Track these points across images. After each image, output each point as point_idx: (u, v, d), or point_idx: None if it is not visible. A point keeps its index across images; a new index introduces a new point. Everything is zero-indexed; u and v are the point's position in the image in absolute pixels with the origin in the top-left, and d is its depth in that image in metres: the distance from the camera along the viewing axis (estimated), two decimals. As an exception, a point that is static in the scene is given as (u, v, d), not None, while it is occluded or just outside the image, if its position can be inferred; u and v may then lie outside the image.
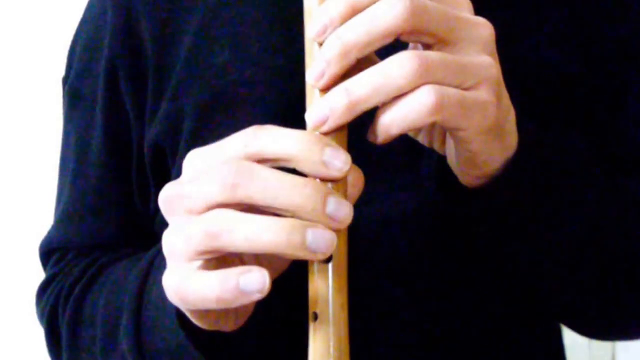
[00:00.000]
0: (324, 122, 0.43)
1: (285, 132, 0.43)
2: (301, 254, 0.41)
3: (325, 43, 0.44)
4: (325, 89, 0.44)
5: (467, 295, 0.60)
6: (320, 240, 0.41)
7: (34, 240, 0.75)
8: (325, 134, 0.44)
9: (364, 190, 0.45)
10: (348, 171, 0.43)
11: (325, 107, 0.43)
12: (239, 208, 0.42)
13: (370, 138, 0.45)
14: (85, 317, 0.65)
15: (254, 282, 0.41)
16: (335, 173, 0.42)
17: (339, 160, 0.42)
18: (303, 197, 0.41)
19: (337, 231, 0.42)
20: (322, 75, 0.43)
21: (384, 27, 0.42)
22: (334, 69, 0.43)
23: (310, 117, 0.44)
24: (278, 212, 0.42)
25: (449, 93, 0.43)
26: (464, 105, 0.43)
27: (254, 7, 0.62)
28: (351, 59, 0.43)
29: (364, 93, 0.42)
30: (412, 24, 0.42)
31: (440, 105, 0.42)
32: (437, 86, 0.42)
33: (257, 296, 0.41)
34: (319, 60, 0.43)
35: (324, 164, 0.42)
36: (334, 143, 0.43)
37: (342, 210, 0.42)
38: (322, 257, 0.42)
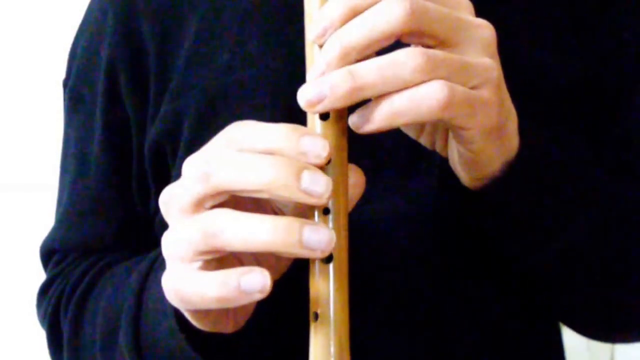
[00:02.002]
0: (319, 101, 0.42)
1: (262, 126, 0.43)
2: (299, 252, 0.41)
3: (325, 45, 0.43)
4: None
5: (468, 296, 0.60)
6: (317, 237, 0.41)
7: (35, 241, 0.75)
8: (326, 134, 0.43)
9: (365, 190, 0.45)
10: (327, 157, 0.42)
11: (325, 85, 0.42)
12: (233, 206, 0.42)
13: (360, 123, 0.43)
14: (86, 319, 0.65)
15: (255, 282, 0.41)
16: (314, 160, 0.42)
17: (316, 147, 0.41)
18: (273, 174, 0.40)
19: (337, 230, 0.42)
20: (322, 76, 0.43)
21: (384, 29, 0.42)
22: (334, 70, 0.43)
23: (305, 93, 0.43)
24: (256, 195, 0.41)
25: (459, 90, 0.42)
26: (471, 104, 0.43)
27: (255, 8, 0.62)
28: (351, 60, 0.43)
29: (370, 79, 0.42)
30: (412, 26, 0.42)
31: (451, 102, 0.42)
32: (448, 82, 0.42)
33: (258, 296, 0.41)
34: (318, 62, 0.43)
35: (302, 153, 0.42)
36: (310, 131, 0.43)
37: (319, 185, 0.41)
38: (321, 255, 0.41)
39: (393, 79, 0.42)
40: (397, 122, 0.43)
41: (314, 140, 0.42)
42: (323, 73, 0.43)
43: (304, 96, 0.43)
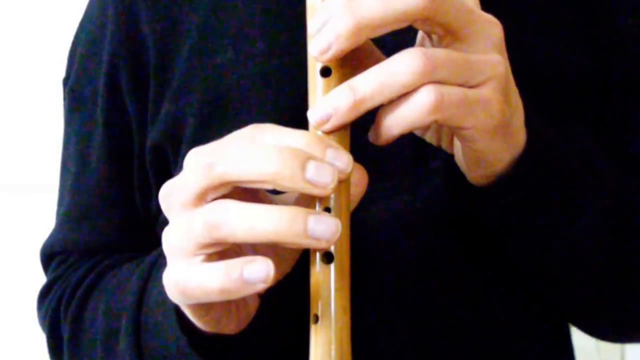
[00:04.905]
0: (327, 121, 0.43)
1: (285, 131, 0.43)
2: (304, 242, 0.41)
3: (338, 15, 0.42)
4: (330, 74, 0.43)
5: (475, 297, 0.60)
6: (322, 226, 0.40)
7: (36, 242, 0.74)
8: (328, 132, 0.43)
9: (368, 189, 0.45)
10: (350, 173, 0.42)
11: (329, 105, 0.43)
12: (241, 198, 0.42)
13: (372, 139, 0.45)
14: (87, 321, 0.64)
15: (258, 271, 0.41)
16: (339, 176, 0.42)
17: (341, 162, 0.42)
18: (279, 164, 0.40)
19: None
20: (329, 49, 0.42)
21: (402, 11, 0.42)
22: (343, 45, 0.42)
23: (313, 115, 0.43)
24: (261, 186, 0.41)
25: (449, 92, 0.42)
26: (465, 104, 0.43)
27: (257, 5, 0.61)
28: (362, 37, 0.42)
29: (369, 91, 0.42)
30: (430, 13, 0.42)
31: (439, 105, 0.42)
32: (437, 85, 0.42)
33: (261, 286, 0.41)
34: (326, 36, 0.42)
35: None
36: (335, 144, 0.43)
37: (324, 175, 0.41)
38: (326, 244, 0.41)
39: (392, 87, 0.42)
40: (393, 132, 0.43)
41: (339, 155, 0.42)
42: (330, 45, 0.42)
43: (313, 117, 0.43)
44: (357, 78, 0.42)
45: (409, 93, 0.42)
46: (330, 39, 0.42)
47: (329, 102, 0.43)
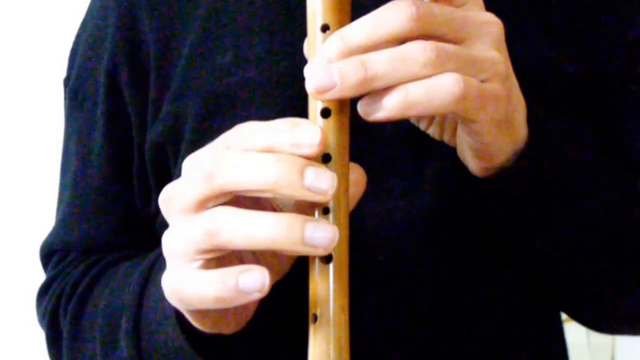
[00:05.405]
0: (328, 90, 0.42)
1: (262, 123, 0.43)
2: (301, 249, 0.41)
3: (327, 41, 0.43)
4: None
5: (471, 295, 0.60)
6: (320, 234, 0.40)
7: (35, 241, 0.75)
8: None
9: (368, 190, 0.45)
10: (321, 144, 0.41)
11: (335, 74, 0.41)
12: (234, 204, 0.42)
13: (367, 112, 0.43)
14: (86, 320, 0.64)
15: (254, 281, 0.41)
16: (308, 150, 0.41)
17: (309, 136, 0.41)
18: (277, 172, 0.40)
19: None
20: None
21: (389, 31, 0.42)
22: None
23: (314, 80, 0.42)
24: (261, 195, 0.41)
25: (472, 83, 0.42)
26: (482, 97, 0.43)
27: (257, 8, 0.61)
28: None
29: (381, 71, 0.41)
30: (417, 30, 0.42)
31: (465, 95, 0.42)
32: (462, 76, 0.42)
33: (257, 296, 0.41)
34: (319, 59, 0.43)
35: (296, 145, 0.41)
36: (303, 121, 0.42)
37: (323, 181, 0.41)
38: (323, 252, 0.41)
39: (403, 71, 0.41)
40: (410, 112, 0.42)
41: (306, 130, 0.41)
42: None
43: (314, 82, 0.42)
44: (370, 55, 0.41)
45: (433, 78, 0.41)
46: (323, 64, 0.42)
47: (336, 71, 0.41)
